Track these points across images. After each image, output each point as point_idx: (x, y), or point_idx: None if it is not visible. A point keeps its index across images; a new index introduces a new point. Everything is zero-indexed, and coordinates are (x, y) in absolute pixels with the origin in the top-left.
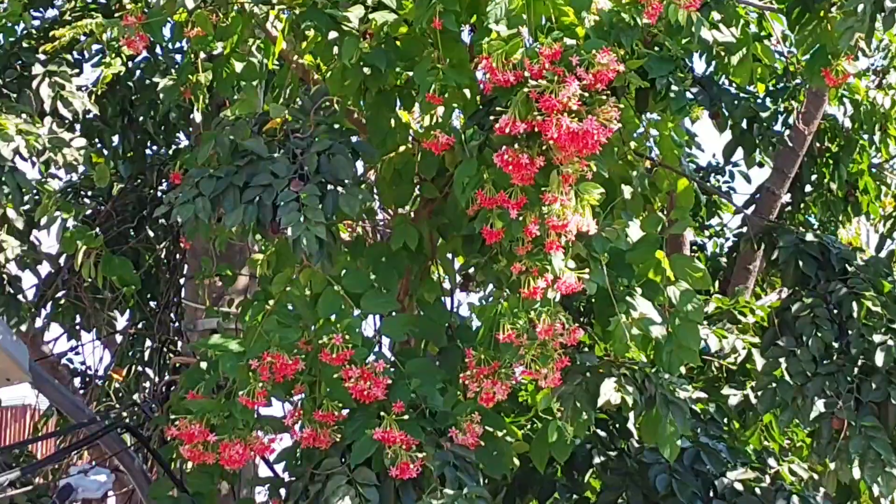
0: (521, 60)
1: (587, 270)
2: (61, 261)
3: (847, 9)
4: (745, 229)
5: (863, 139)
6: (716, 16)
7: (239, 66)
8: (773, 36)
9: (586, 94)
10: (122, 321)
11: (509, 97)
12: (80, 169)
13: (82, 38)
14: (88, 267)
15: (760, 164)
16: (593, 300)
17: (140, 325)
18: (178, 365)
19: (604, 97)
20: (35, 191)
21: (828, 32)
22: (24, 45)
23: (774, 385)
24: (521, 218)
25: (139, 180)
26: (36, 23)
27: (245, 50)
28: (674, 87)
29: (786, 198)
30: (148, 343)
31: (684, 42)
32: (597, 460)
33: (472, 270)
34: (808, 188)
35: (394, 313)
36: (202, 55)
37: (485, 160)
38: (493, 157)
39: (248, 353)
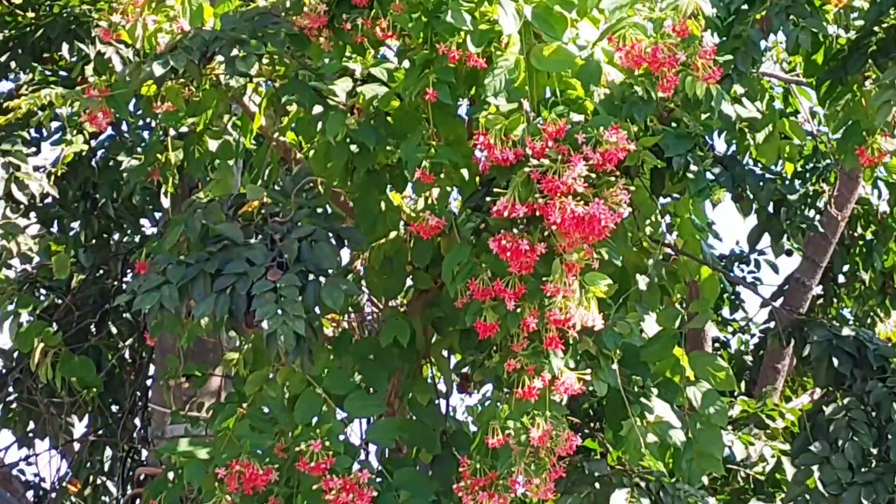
0: (522, 137)
1: (588, 372)
2: (14, 359)
3: (883, 82)
4: (772, 324)
5: None
6: (738, 89)
7: (213, 144)
8: (800, 112)
9: (593, 175)
10: (80, 427)
11: (509, 177)
12: (37, 259)
13: (40, 112)
14: (45, 367)
15: (789, 253)
16: (604, 402)
17: (101, 432)
18: (143, 476)
19: (612, 178)
20: None
21: (861, 107)
22: None
23: (807, 496)
24: (518, 310)
25: (102, 271)
26: None
27: (220, 126)
28: (693, 167)
29: (817, 289)
30: (109, 452)
31: (704, 118)
32: None
33: (469, 369)
34: (841, 279)
35: (382, 417)
36: (172, 132)
37: (480, 246)
38: (488, 242)
39: (216, 461)
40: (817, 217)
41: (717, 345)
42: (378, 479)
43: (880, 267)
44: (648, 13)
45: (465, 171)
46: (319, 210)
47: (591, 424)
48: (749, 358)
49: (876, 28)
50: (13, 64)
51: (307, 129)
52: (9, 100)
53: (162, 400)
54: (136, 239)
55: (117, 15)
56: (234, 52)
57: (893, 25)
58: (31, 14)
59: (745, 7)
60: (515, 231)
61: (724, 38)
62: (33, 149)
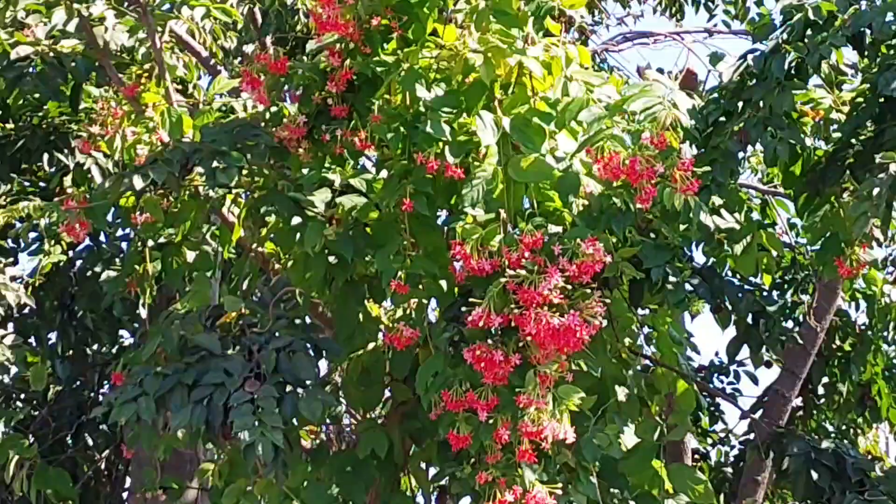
0: (499, 248)
1: (560, 486)
2: None
3: (860, 193)
4: (752, 436)
5: (878, 339)
6: (717, 200)
7: (191, 255)
8: (778, 223)
9: (569, 287)
10: None
11: (485, 287)
12: (13, 370)
13: (18, 223)
14: (20, 480)
15: (768, 364)
16: None
17: None
18: None
19: (589, 290)
20: None
21: (840, 219)
22: None
23: None
24: (491, 422)
25: (78, 383)
26: None
27: (198, 237)
28: (671, 279)
29: (797, 401)
30: None
31: (682, 229)
32: None
33: (447, 481)
34: (820, 390)
35: None
36: (150, 243)
37: (456, 357)
38: (464, 354)
39: None
40: (796, 328)
41: (697, 456)
42: None
43: (858, 379)
44: (626, 125)
45: (442, 282)
46: (297, 321)
47: None
48: (729, 470)
49: (853, 140)
50: None
51: (286, 239)
52: None
53: None
54: (114, 350)
55: (96, 126)
56: (215, 163)
57: (870, 138)
58: (10, 125)
59: (722, 119)
60: (490, 342)
61: (703, 150)
62: (11, 259)
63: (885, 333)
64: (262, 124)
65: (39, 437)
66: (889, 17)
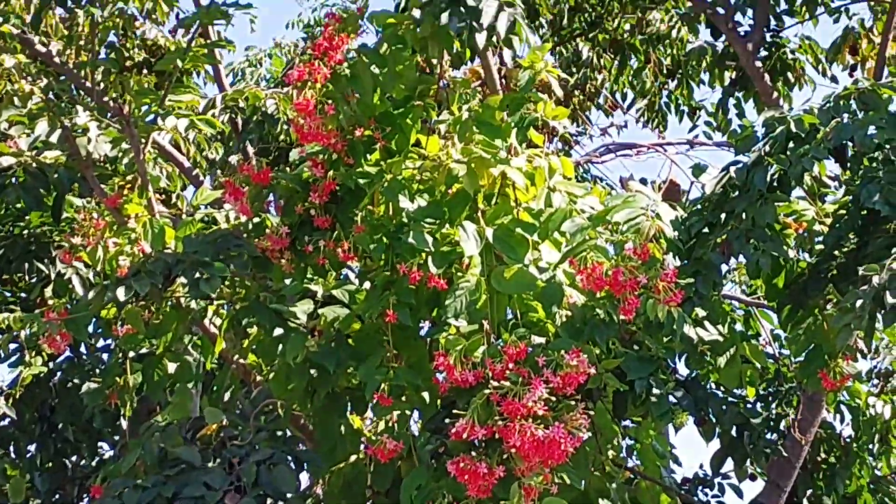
0: (482, 359)
1: None
2: None
3: (843, 305)
4: None
5: (863, 451)
6: (699, 312)
7: (172, 367)
8: (762, 335)
9: (553, 399)
10: None
11: (469, 399)
12: None
13: None
14: None
15: (753, 477)
16: None
17: None
18: None
19: (573, 402)
20: None
21: (823, 331)
22: None
23: None
24: None
25: (58, 496)
26: None
27: (180, 348)
28: (655, 391)
29: None
30: None
31: (666, 341)
32: None
33: None
34: (805, 503)
35: None
36: (131, 354)
37: (440, 469)
38: (447, 466)
39: None
40: (780, 441)
41: None
42: None
43: (844, 492)
44: (609, 236)
45: (425, 393)
46: (279, 433)
47: None
48: None
49: (836, 252)
50: None
51: (267, 351)
52: None
53: None
54: (94, 463)
55: (78, 237)
56: (197, 274)
57: (853, 250)
58: None
59: (705, 230)
60: (474, 454)
61: (686, 261)
62: None
63: (871, 446)
64: (245, 235)
65: None
66: (871, 130)
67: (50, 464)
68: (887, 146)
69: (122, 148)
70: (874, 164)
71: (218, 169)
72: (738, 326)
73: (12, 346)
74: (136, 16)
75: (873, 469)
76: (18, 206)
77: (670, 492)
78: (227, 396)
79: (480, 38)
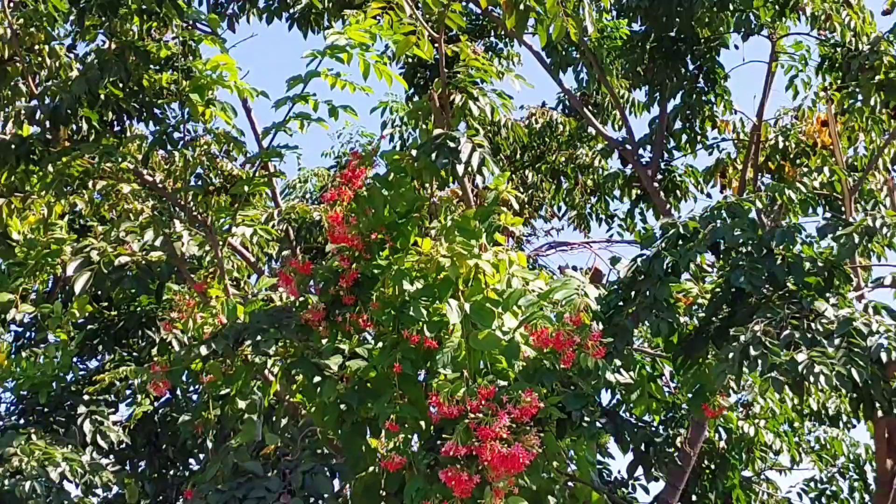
0: (463, 397)
1: None
2: None
3: (720, 356)
4: None
5: (735, 459)
6: (617, 362)
7: (242, 404)
8: (663, 375)
9: (514, 425)
10: None
11: (453, 426)
12: (115, 489)
13: (118, 382)
14: None
15: (656, 479)
16: None
17: None
18: None
19: (528, 427)
20: None
21: (705, 375)
22: (72, 389)
23: None
24: None
25: (161, 497)
26: (82, 372)
27: (247, 391)
28: (586, 419)
29: None
30: None
31: (593, 383)
32: None
33: None
34: (694, 498)
35: None
36: (213, 396)
37: (433, 477)
38: (439, 474)
39: None
40: (676, 453)
41: None
42: None
43: (721, 489)
44: (552, 308)
45: (422, 422)
46: (318, 451)
47: None
48: None
49: (713, 318)
50: (100, 347)
51: (309, 392)
52: (96, 374)
53: None
54: (186, 473)
55: (175, 312)
56: (259, 338)
57: (725, 317)
58: (113, 312)
59: (621, 304)
60: (458, 466)
61: (607, 326)
62: (112, 409)
63: (741, 456)
64: (293, 310)
65: None
66: (736, 232)
67: (155, 475)
68: (748, 243)
69: (205, 249)
70: (739, 256)
71: (274, 262)
72: (647, 368)
73: (128, 391)
74: (216, 154)
75: (741, 472)
76: (132, 291)
77: (599, 490)
78: (281, 425)
79: (459, 169)
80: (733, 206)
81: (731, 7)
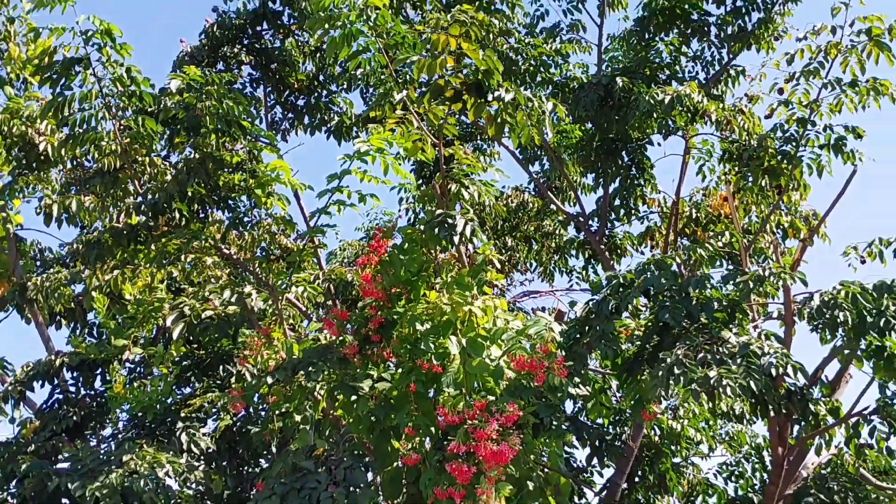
0: (462, 409)
1: None
2: None
3: (653, 374)
4: None
5: (667, 450)
6: (577, 380)
7: (298, 418)
8: (612, 389)
9: (501, 429)
10: None
11: (456, 431)
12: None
13: (206, 405)
14: None
15: (608, 466)
16: None
17: None
18: None
19: (511, 430)
20: (178, 498)
21: (643, 388)
22: (172, 409)
23: None
24: None
25: (239, 489)
26: (179, 397)
27: (302, 408)
28: (554, 423)
29: (624, 485)
30: None
31: (559, 395)
32: None
33: None
34: (637, 479)
35: None
36: (276, 412)
37: (441, 469)
38: (445, 467)
39: None
40: (622, 446)
41: None
42: None
43: (657, 472)
44: (528, 341)
45: (433, 428)
46: (355, 452)
47: None
48: None
49: (647, 346)
50: (192, 378)
51: (348, 408)
52: (190, 398)
53: None
54: (257, 471)
55: (247, 351)
56: (310, 368)
57: (655, 344)
58: (202, 351)
59: (578, 336)
60: (460, 460)
61: (568, 353)
62: (203, 426)
63: (672, 448)
64: (335, 347)
65: None
66: (662, 281)
67: (234, 472)
68: (671, 289)
69: (269, 303)
70: (664, 299)
71: (320, 311)
72: (600, 384)
73: (214, 410)
74: (275, 232)
75: (672, 459)
76: (216, 336)
77: (566, 476)
78: (327, 433)
79: (455, 239)
80: (660, 262)
81: (654, 115)
